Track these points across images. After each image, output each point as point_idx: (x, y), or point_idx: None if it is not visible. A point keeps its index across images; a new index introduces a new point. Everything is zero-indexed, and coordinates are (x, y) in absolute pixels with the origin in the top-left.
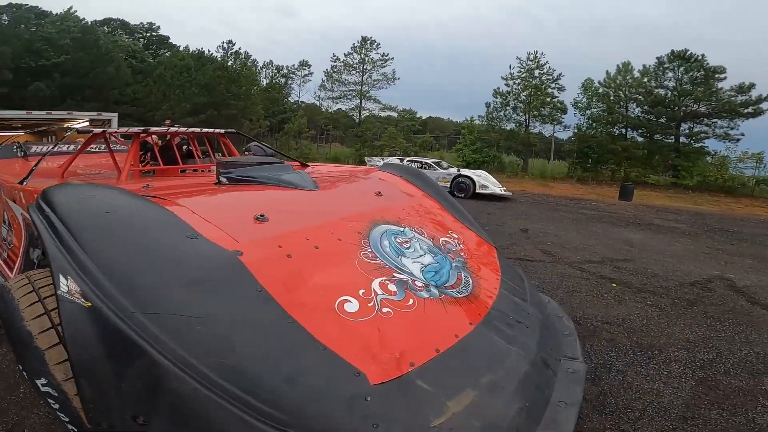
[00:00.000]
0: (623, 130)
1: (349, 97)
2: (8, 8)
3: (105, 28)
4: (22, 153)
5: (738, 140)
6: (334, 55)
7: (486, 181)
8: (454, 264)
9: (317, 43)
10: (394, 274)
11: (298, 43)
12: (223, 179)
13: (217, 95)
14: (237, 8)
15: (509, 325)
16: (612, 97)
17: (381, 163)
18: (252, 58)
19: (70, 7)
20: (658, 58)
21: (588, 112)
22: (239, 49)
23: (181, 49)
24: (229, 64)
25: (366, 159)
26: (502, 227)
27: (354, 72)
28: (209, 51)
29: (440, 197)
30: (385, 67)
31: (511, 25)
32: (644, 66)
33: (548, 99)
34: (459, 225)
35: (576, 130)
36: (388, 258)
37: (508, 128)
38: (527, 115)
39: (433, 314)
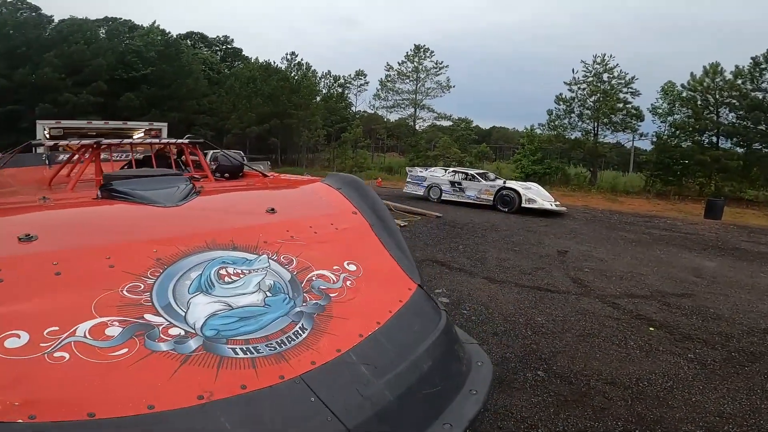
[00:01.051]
0: (713, 139)
1: (403, 106)
2: (105, 21)
3: (188, 41)
4: (47, 161)
5: None
6: (388, 64)
7: (535, 194)
8: (297, 309)
9: (380, 52)
10: (146, 315)
11: (361, 54)
12: (102, 193)
13: (280, 105)
14: (305, 21)
15: (329, 388)
16: (699, 102)
17: (424, 174)
18: (312, 68)
19: (154, 21)
20: (753, 58)
21: (670, 118)
22: (301, 60)
23: (251, 60)
24: (292, 74)
25: (407, 169)
26: (535, 247)
27: (407, 81)
28: (274, 62)
29: (374, 216)
30: (439, 75)
31: (578, 30)
32: (737, 67)
33: (620, 105)
34: (376, 252)
35: (655, 139)
36: (169, 294)
37: (573, 136)
38: (595, 123)
39: (153, 369)
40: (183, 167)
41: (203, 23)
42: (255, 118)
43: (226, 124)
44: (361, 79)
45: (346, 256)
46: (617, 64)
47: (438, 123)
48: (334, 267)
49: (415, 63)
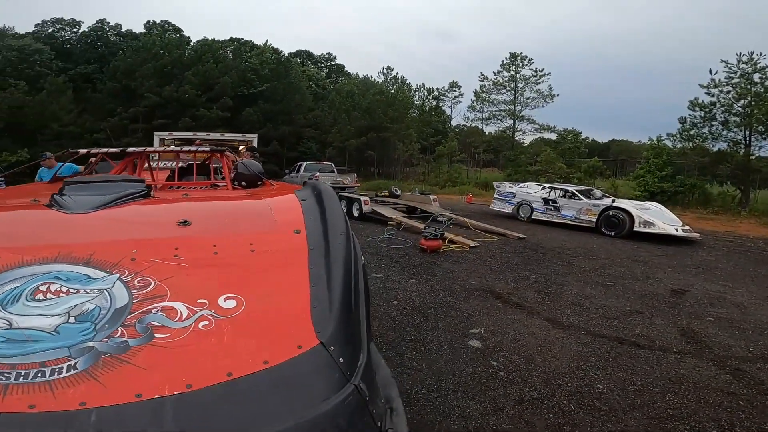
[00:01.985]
0: None
1: (500, 117)
2: (231, 42)
3: (297, 59)
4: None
5: None
6: (482, 74)
7: (653, 215)
8: (88, 344)
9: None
10: None
11: (458, 67)
12: (50, 199)
13: (376, 119)
14: (403, 36)
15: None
16: None
17: (514, 189)
18: (407, 81)
19: (267, 41)
20: None
21: None
22: (397, 73)
23: (352, 76)
24: (387, 88)
25: (495, 184)
26: (639, 283)
27: (504, 91)
28: (371, 76)
29: (322, 239)
30: (539, 83)
31: (714, 31)
32: None
33: None
34: (291, 287)
35: None
36: None
37: (716, 148)
38: (747, 131)
39: None
40: (216, 175)
41: (311, 41)
42: (353, 131)
43: (328, 137)
44: (455, 90)
45: (228, 288)
46: None
47: (542, 135)
48: (199, 300)
49: (512, 72)
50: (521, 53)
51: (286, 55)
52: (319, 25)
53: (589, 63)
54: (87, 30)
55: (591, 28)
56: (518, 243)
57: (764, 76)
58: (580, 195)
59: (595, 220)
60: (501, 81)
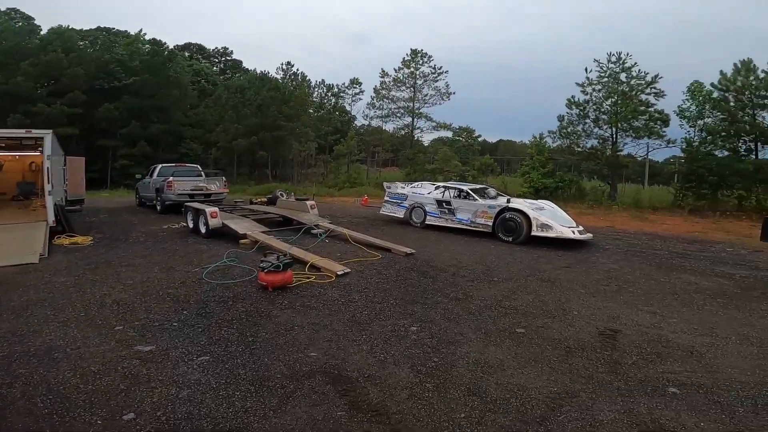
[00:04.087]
0: (752, 145)
1: (398, 114)
2: (98, 32)
3: (185, 53)
4: None
5: None
6: (383, 71)
7: (550, 217)
8: None
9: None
10: None
11: (370, 70)
12: None
13: (270, 116)
14: (317, 38)
15: None
16: (732, 103)
17: (405, 190)
18: (307, 78)
19: (140, 30)
20: None
21: (699, 122)
22: (297, 70)
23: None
24: (285, 84)
25: (385, 185)
26: (556, 322)
27: (404, 88)
28: (268, 72)
29: None
30: (437, 81)
31: (592, 43)
32: None
33: (641, 107)
34: None
35: (685, 146)
36: None
37: (589, 145)
38: (614, 129)
39: None
40: None
41: (223, 40)
42: (242, 130)
43: (212, 137)
44: (356, 87)
45: None
46: (635, 63)
47: (439, 133)
48: None
49: (412, 68)
50: (422, 50)
51: (171, 47)
52: (235, 22)
53: (484, 69)
54: None
55: (492, 38)
56: (405, 262)
57: (630, 76)
58: (474, 195)
59: (491, 224)
60: (401, 78)
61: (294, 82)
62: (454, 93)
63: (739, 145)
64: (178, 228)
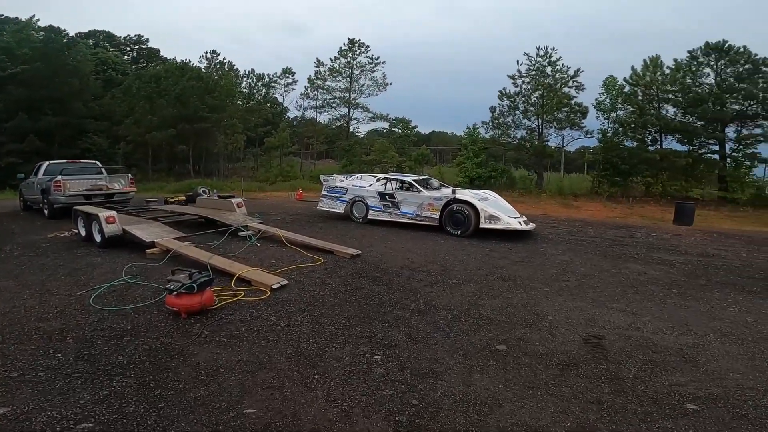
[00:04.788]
0: (657, 135)
1: (334, 105)
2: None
3: (90, 40)
4: None
5: None
6: (318, 60)
7: (496, 208)
8: None
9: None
10: None
11: (306, 61)
12: None
13: (191, 107)
14: (248, 27)
15: None
16: (641, 97)
17: (344, 183)
18: (235, 67)
19: (33, 16)
20: (690, 51)
21: (613, 114)
22: (223, 59)
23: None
24: (211, 74)
25: (322, 179)
26: (540, 334)
27: (340, 78)
28: (189, 60)
29: None
30: (374, 71)
31: (521, 38)
32: (676, 61)
33: (565, 100)
34: None
35: (601, 136)
36: None
37: (518, 135)
38: (540, 120)
39: None
40: None
41: (128, 25)
42: (157, 122)
43: (119, 130)
44: (288, 77)
45: None
46: (560, 57)
47: (376, 124)
48: None
49: (349, 58)
50: (359, 40)
51: (71, 34)
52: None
53: (419, 62)
54: None
55: (430, 32)
56: (351, 266)
57: (555, 70)
58: (418, 186)
59: (438, 216)
60: (337, 68)
61: (220, 72)
62: (391, 84)
63: (646, 135)
64: (67, 237)
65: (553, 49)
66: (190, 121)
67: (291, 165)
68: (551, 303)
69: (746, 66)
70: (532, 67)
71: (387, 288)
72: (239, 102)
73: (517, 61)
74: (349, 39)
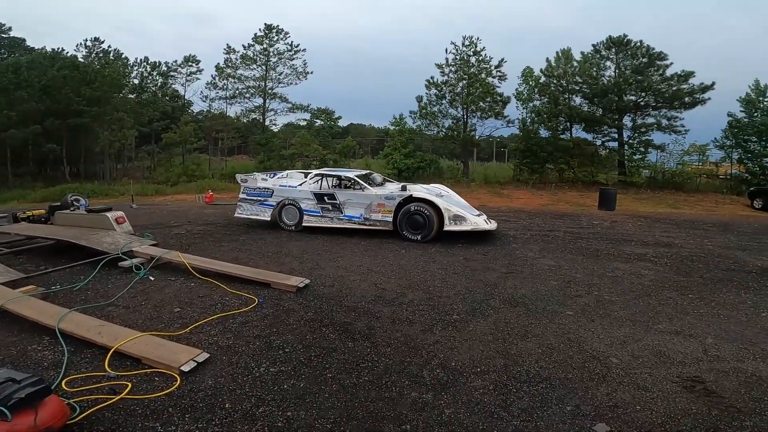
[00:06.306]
0: (568, 125)
1: (247, 95)
2: None
3: None
4: None
5: (685, 132)
6: (229, 46)
7: (459, 207)
8: None
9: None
10: None
11: (214, 54)
12: None
13: (62, 101)
14: (142, 16)
15: None
16: (553, 87)
17: (268, 183)
18: (123, 55)
19: None
20: (594, 45)
21: (530, 104)
22: (108, 47)
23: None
24: (89, 64)
25: (239, 179)
26: (610, 386)
27: (255, 66)
28: (62, 49)
29: None
30: (293, 59)
31: (437, 34)
32: (583, 53)
33: (489, 89)
34: None
35: (521, 125)
36: None
37: (446, 125)
38: (465, 109)
39: None
40: None
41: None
42: (16, 118)
43: None
44: (191, 66)
45: None
46: (484, 47)
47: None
48: None
49: (265, 44)
50: (277, 26)
51: None
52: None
53: (333, 55)
54: None
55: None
56: (301, 304)
57: (479, 59)
58: (362, 183)
59: (391, 219)
60: (251, 55)
61: (103, 61)
62: (312, 72)
63: (558, 125)
64: None
65: (478, 38)
66: (62, 116)
67: (197, 163)
68: (593, 334)
69: (642, 60)
70: (457, 56)
71: (371, 344)
72: (130, 95)
73: (446, 50)
74: (266, 24)
